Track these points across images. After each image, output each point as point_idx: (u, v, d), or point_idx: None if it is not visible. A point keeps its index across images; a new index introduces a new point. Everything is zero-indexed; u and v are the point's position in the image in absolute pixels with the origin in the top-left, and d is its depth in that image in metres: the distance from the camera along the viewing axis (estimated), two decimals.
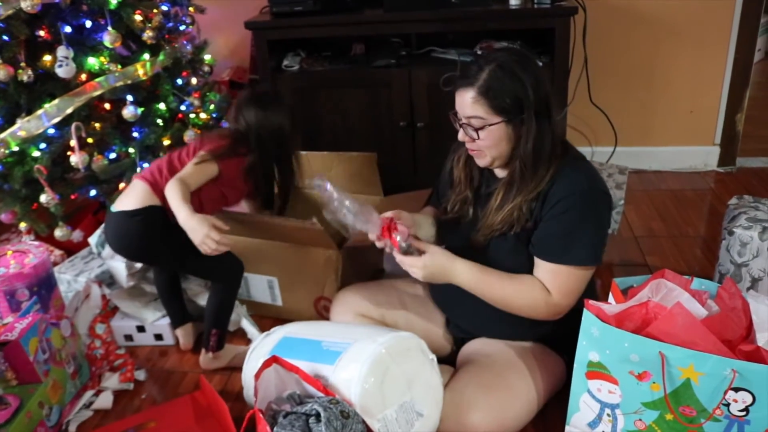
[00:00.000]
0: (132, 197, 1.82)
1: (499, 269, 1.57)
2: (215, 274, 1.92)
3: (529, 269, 1.57)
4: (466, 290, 1.56)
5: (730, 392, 1.22)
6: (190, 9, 2.72)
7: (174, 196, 1.75)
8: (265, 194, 2.06)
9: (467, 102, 1.49)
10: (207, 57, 2.77)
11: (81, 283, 2.14)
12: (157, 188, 1.83)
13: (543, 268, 1.54)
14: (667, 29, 2.98)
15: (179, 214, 1.72)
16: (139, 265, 2.11)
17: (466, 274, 1.55)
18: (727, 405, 1.24)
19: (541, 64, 2.64)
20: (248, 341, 2.06)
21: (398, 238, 1.53)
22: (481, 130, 1.50)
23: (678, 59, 3.03)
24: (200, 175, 1.85)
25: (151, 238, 1.82)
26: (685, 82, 3.08)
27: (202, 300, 2.10)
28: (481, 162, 1.59)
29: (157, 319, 2.09)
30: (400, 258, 1.54)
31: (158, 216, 1.81)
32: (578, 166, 1.55)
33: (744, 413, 1.24)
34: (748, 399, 1.22)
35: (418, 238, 1.60)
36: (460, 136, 1.56)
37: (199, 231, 1.68)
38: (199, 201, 1.84)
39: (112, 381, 1.92)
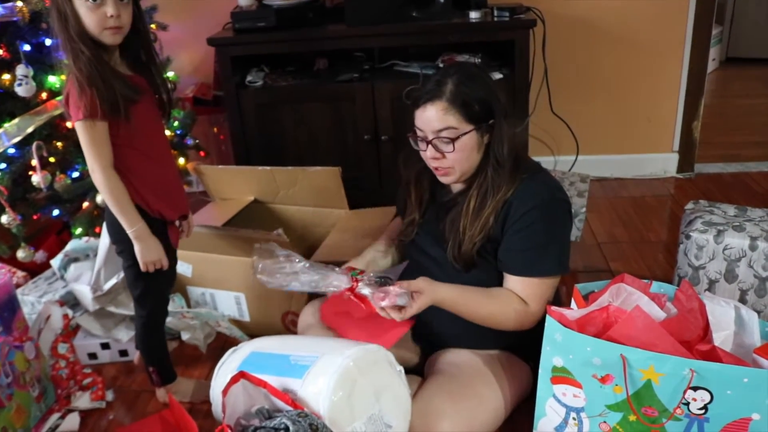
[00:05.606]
0: None
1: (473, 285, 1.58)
2: (140, 290, 1.75)
3: (497, 283, 1.60)
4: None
5: (690, 391, 1.26)
6: (153, 26, 2.70)
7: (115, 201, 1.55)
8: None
9: (436, 115, 1.49)
10: (170, 74, 2.76)
11: None
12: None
13: (514, 280, 1.56)
14: (623, 40, 3.05)
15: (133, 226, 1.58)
16: (106, 286, 2.07)
17: (447, 294, 1.55)
18: (687, 404, 1.27)
19: (502, 75, 2.69)
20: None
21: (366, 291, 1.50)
22: (456, 141, 1.50)
23: (635, 69, 3.11)
24: (97, 142, 1.50)
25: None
26: (642, 92, 3.15)
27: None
28: (447, 179, 1.59)
29: (130, 338, 2.06)
30: (397, 314, 1.49)
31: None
32: (537, 176, 1.58)
33: (703, 411, 1.27)
34: (707, 397, 1.25)
35: (388, 278, 1.55)
36: (429, 154, 1.54)
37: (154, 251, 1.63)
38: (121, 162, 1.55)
39: (83, 400, 1.90)
